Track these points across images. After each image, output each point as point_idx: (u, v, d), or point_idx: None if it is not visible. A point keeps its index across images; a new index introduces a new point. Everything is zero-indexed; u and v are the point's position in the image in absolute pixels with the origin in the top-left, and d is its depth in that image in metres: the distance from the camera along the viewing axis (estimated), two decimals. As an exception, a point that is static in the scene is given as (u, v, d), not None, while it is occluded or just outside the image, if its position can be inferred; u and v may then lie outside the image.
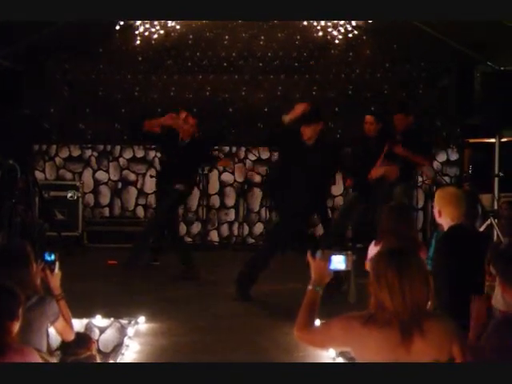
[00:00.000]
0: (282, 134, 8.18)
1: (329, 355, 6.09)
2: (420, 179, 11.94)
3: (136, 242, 9.34)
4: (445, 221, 5.32)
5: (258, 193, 12.14)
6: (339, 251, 4.03)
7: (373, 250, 5.75)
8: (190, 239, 12.08)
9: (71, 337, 5.03)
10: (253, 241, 12.01)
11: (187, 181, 9.41)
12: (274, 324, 7.20)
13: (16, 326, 3.90)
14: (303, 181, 8.03)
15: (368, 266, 5.88)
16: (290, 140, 8.15)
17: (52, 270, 4.96)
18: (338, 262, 4.01)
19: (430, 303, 3.58)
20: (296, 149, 8.09)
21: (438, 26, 9.80)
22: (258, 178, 12.14)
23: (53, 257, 4.98)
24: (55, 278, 4.98)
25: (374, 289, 3.57)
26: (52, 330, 4.94)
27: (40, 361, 4.00)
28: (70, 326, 5.00)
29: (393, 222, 5.81)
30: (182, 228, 12.10)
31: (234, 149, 12.11)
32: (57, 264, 4.98)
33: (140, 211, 12.20)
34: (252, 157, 12.07)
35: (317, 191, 8.29)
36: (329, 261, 3.97)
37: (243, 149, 12.13)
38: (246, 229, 12.14)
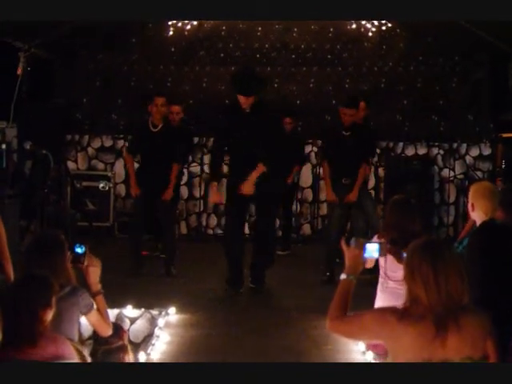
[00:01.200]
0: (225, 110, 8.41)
1: (358, 349, 6.07)
2: (452, 174, 11.90)
3: (129, 250, 9.11)
4: (477, 215, 5.26)
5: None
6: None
7: None
8: (220, 231, 12.01)
9: (108, 332, 4.99)
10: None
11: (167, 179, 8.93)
12: (304, 317, 7.19)
13: (49, 315, 3.91)
14: (244, 149, 7.98)
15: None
16: (229, 111, 8.21)
17: (82, 263, 4.94)
18: (373, 250, 3.99)
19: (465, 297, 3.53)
20: (234, 117, 8.05)
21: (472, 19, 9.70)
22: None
23: (83, 249, 4.95)
24: (94, 274, 4.95)
25: (408, 283, 3.52)
26: (83, 320, 4.96)
27: (72, 350, 4.01)
28: (107, 321, 4.98)
29: (395, 215, 5.79)
30: (213, 220, 12.13)
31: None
32: (86, 257, 4.95)
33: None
34: None
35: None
36: (363, 249, 3.96)
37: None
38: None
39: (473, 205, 5.26)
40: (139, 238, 9.11)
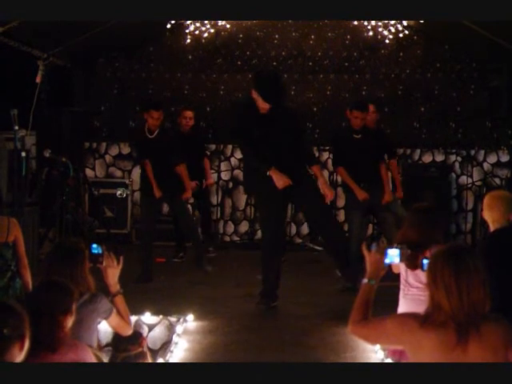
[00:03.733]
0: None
1: (377, 357, 6.05)
2: (469, 181, 11.85)
3: (141, 256, 9.12)
4: (489, 225, 5.27)
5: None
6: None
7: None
8: (237, 238, 12.12)
9: (128, 332, 5.06)
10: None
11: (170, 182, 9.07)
12: (322, 324, 7.18)
13: (69, 321, 3.93)
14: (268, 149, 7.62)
15: None
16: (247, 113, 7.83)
17: (100, 263, 4.97)
18: (394, 256, 4.05)
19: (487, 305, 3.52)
20: (256, 119, 7.68)
21: (490, 25, 9.67)
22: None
23: (100, 250, 4.97)
24: (112, 275, 4.99)
25: (431, 289, 3.52)
26: (102, 327, 4.98)
27: (92, 356, 4.02)
28: (127, 321, 5.02)
29: (417, 223, 5.72)
30: (230, 227, 12.16)
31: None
32: (104, 257, 4.98)
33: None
34: None
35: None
36: (384, 254, 4.00)
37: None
38: (294, 228, 12.15)
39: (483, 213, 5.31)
40: (150, 244, 9.21)
